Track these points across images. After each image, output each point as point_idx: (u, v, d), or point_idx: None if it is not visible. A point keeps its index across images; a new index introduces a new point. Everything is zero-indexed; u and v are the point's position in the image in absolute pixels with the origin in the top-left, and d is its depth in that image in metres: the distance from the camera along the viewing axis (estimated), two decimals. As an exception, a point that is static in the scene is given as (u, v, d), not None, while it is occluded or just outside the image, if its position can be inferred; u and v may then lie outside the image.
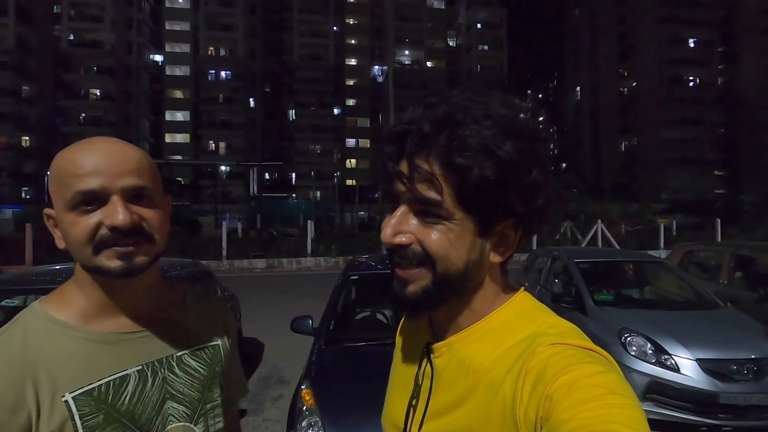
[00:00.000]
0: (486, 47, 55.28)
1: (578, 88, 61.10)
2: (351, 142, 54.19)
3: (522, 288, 0.61)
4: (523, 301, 0.59)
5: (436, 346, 0.61)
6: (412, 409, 0.62)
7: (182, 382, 0.73)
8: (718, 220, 15.62)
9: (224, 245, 13.91)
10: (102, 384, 0.65)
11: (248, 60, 50.23)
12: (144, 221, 0.66)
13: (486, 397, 0.51)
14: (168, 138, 49.99)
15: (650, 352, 3.41)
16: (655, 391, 3.31)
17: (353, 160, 54.04)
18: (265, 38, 53.19)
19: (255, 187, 34.91)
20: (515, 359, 0.51)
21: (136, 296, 0.71)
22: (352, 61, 54.51)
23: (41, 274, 3.35)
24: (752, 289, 5.06)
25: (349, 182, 47.64)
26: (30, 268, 9.10)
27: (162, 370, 0.71)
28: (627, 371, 3.34)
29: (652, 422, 3.21)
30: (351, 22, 54.73)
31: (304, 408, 2.27)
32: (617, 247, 14.01)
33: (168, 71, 50.41)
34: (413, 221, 0.54)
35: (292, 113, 52.94)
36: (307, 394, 2.33)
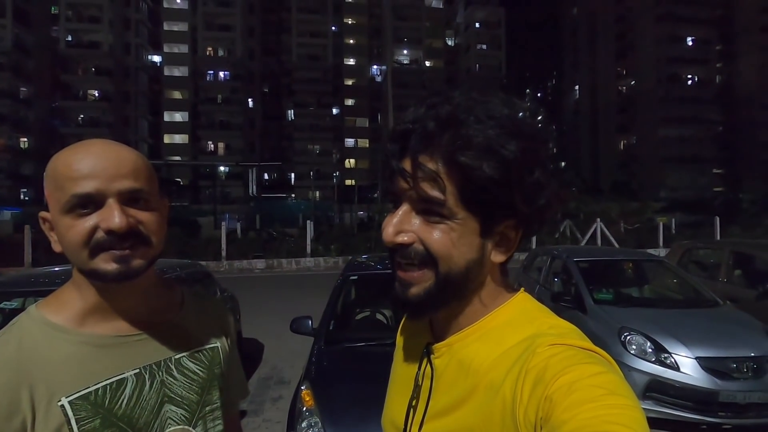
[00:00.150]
0: (484, 46, 55.25)
1: (577, 87, 61.14)
2: (350, 142, 54.16)
3: (522, 289, 0.61)
4: (523, 301, 0.59)
5: (436, 346, 0.61)
6: (412, 410, 0.62)
7: (181, 385, 0.72)
8: (717, 218, 15.63)
9: (223, 246, 13.90)
10: (99, 388, 0.64)
11: (247, 60, 50.17)
12: (140, 224, 0.65)
13: (486, 398, 0.51)
14: (167, 139, 49.92)
15: (650, 350, 3.41)
16: (655, 389, 3.31)
17: (352, 160, 54.01)
18: (264, 38, 53.12)
19: (254, 187, 34.88)
20: (515, 360, 0.51)
21: (134, 299, 0.70)
22: (351, 61, 54.47)
23: (40, 276, 3.34)
24: (751, 286, 5.07)
25: (348, 182, 47.63)
26: (29, 269, 9.08)
27: (160, 373, 0.70)
28: (627, 370, 3.34)
29: (652, 421, 3.22)
30: (349, 22, 54.70)
31: (304, 408, 2.26)
32: (616, 245, 14.02)
33: (166, 72, 50.33)
34: (415, 220, 0.54)
35: (290, 113, 52.88)
36: (307, 395, 2.32)
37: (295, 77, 51.37)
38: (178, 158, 46.71)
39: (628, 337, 3.53)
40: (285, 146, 51.89)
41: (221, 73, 49.90)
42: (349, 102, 53.92)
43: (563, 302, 4.31)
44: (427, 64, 54.02)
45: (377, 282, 3.80)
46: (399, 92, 34.35)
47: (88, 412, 0.63)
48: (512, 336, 0.54)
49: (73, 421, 0.62)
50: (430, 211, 0.52)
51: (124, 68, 46.84)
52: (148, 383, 0.69)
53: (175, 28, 50.14)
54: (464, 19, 56.71)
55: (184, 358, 0.74)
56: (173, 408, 0.71)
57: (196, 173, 46.28)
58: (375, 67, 54.85)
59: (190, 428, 0.72)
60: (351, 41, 54.43)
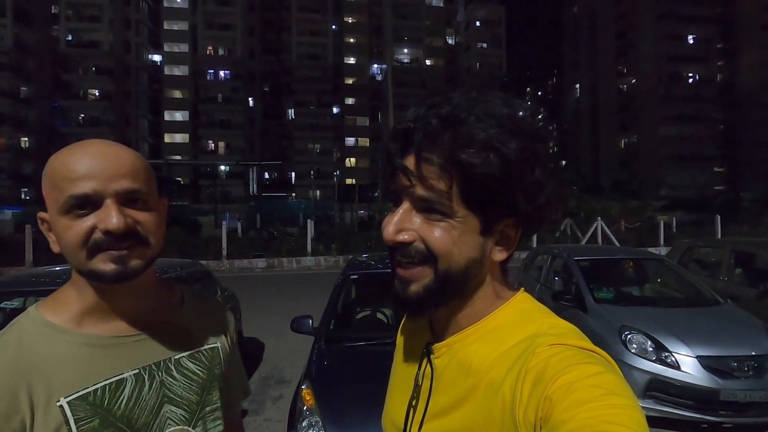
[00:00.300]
0: (485, 45, 55.20)
1: (577, 86, 61.05)
2: (350, 141, 54.16)
3: (522, 289, 0.61)
4: (523, 301, 0.59)
5: (436, 346, 0.61)
6: (412, 410, 0.62)
7: (180, 386, 0.72)
8: (718, 217, 15.61)
9: (224, 245, 13.91)
10: (98, 388, 0.64)
11: (247, 59, 50.16)
12: (138, 225, 0.65)
13: (486, 398, 0.51)
14: (167, 138, 49.94)
15: (650, 349, 3.41)
16: (655, 388, 3.31)
17: (353, 159, 54.01)
18: (264, 37, 53.09)
19: (254, 186, 34.93)
20: (515, 360, 0.51)
21: (132, 299, 0.70)
22: (351, 60, 54.45)
23: (41, 275, 3.34)
24: (752, 285, 5.06)
25: (348, 181, 47.63)
26: (29, 269, 9.10)
27: (160, 374, 0.70)
28: (627, 369, 3.34)
29: (652, 419, 3.22)
30: (349, 21, 54.65)
31: (305, 408, 2.26)
32: (617, 244, 14.02)
33: (167, 71, 50.32)
34: (416, 219, 0.54)
35: (291, 112, 52.88)
36: (307, 394, 2.33)
37: (296, 76, 51.35)
38: (178, 157, 46.73)
39: (629, 336, 3.53)
40: (285, 145, 51.89)
41: (221, 72, 49.89)
42: (350, 101, 53.90)
43: (564, 301, 4.30)
44: (428, 62, 53.99)
45: (378, 281, 3.80)
46: (399, 91, 34.35)
47: (86, 412, 0.63)
48: (512, 336, 0.54)
49: (71, 422, 0.62)
50: (431, 209, 0.53)
51: (125, 67, 46.85)
52: (147, 383, 0.69)
53: (176, 27, 50.11)
54: (465, 18, 56.64)
55: (183, 358, 0.74)
56: (173, 408, 0.71)
57: (197, 172, 46.32)
58: (375, 65, 54.83)
59: (190, 428, 0.72)
60: (351, 40, 54.38)
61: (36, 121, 42.65)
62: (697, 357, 3.26)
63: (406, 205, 0.54)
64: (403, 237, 0.54)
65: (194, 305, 0.82)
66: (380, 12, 51.80)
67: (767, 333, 3.50)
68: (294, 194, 46.69)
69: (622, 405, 0.41)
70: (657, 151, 46.46)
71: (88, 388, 0.64)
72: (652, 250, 11.58)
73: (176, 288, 0.83)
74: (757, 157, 45.59)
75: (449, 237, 0.52)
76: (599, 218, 15.40)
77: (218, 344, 0.81)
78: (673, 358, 3.31)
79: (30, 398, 0.61)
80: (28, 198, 40.42)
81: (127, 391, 0.67)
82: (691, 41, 48.74)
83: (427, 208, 0.53)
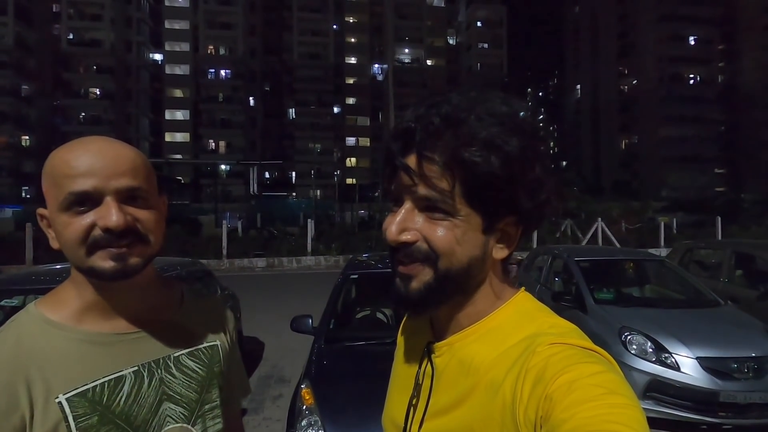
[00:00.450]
0: (486, 45, 55.20)
1: (578, 86, 61.05)
2: (351, 140, 54.18)
3: (522, 288, 0.61)
4: (523, 300, 0.59)
5: (436, 345, 0.61)
6: (412, 409, 0.62)
7: (180, 383, 0.72)
8: (719, 218, 15.58)
9: (224, 244, 13.90)
10: (97, 385, 0.64)
11: (248, 59, 50.19)
12: (138, 222, 0.65)
13: (486, 397, 0.51)
14: (168, 137, 49.97)
15: (650, 350, 3.41)
16: (655, 389, 3.30)
17: (353, 159, 54.03)
18: (265, 37, 53.13)
19: (255, 186, 34.89)
20: (515, 359, 0.51)
21: (132, 297, 0.70)
22: (352, 60, 54.47)
23: (41, 273, 3.34)
24: (753, 287, 5.06)
25: (349, 181, 47.67)
26: (30, 267, 9.11)
27: (159, 371, 0.70)
28: (627, 369, 3.34)
29: (652, 420, 3.22)
30: (351, 21, 54.68)
31: (304, 407, 2.26)
32: (617, 245, 14.00)
33: (168, 70, 50.37)
34: (419, 218, 0.54)
35: (292, 112, 52.92)
36: (306, 393, 2.32)
37: (297, 76, 51.39)
38: (179, 156, 46.74)
39: (629, 337, 3.53)
40: (286, 145, 51.93)
41: (222, 72, 49.93)
42: (350, 101, 53.93)
43: (564, 302, 4.30)
44: (429, 62, 54.00)
45: (378, 281, 3.80)
46: (400, 91, 34.37)
47: (85, 409, 0.63)
48: (512, 335, 0.54)
49: (70, 418, 0.62)
50: (433, 207, 0.53)
51: (126, 66, 46.90)
52: (146, 381, 0.69)
53: (177, 26, 50.15)
54: (466, 18, 56.65)
55: (183, 356, 0.74)
56: (172, 406, 0.71)
57: (197, 172, 46.31)
58: (376, 65, 54.84)
59: (189, 426, 0.72)
60: (352, 40, 54.41)
61: (37, 119, 42.70)
62: (696, 358, 3.26)
63: (408, 205, 0.54)
64: (407, 237, 0.54)
65: (194, 303, 0.82)
66: (381, 12, 51.79)
67: (767, 334, 3.50)
68: (294, 194, 46.68)
69: (623, 404, 0.41)
70: (658, 152, 46.45)
71: (87, 384, 0.64)
72: (652, 251, 11.56)
73: (176, 286, 0.83)
74: (758, 158, 45.56)
75: (452, 236, 0.53)
76: (600, 219, 15.38)
77: (218, 342, 0.81)
78: (673, 359, 3.30)
79: (29, 394, 0.61)
80: (28, 196, 40.45)
81: (126, 388, 0.67)
82: (693, 42, 48.73)
83: (429, 207, 0.53)
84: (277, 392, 4.24)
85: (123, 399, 0.66)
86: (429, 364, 0.61)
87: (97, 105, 45.89)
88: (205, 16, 49.05)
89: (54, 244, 0.66)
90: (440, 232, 0.53)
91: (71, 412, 0.62)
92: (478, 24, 55.21)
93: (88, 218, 0.62)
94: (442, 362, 0.59)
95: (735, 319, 3.81)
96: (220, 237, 14.18)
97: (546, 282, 5.44)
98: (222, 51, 50.30)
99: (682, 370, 3.25)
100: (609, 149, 53.43)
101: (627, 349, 3.46)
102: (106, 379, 0.65)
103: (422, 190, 0.52)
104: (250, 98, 50.96)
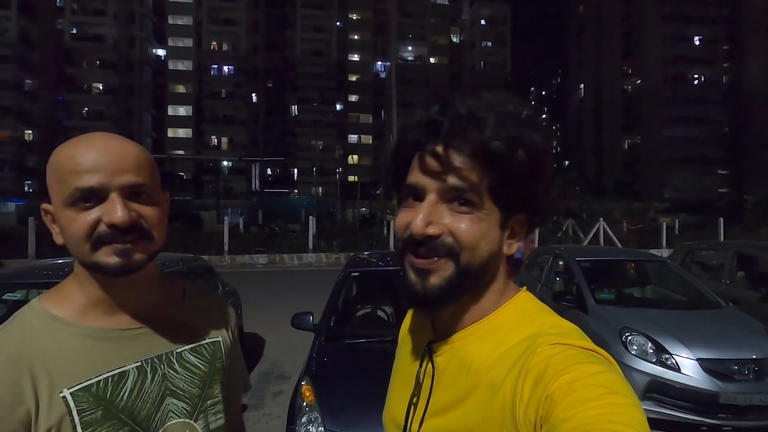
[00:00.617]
0: (489, 44, 55.01)
1: (582, 86, 60.81)
2: (353, 138, 54.10)
3: (524, 287, 0.62)
4: (524, 300, 0.59)
5: (437, 344, 0.61)
6: (412, 407, 0.62)
7: (182, 379, 0.73)
8: (721, 219, 15.55)
9: (226, 240, 13.94)
10: (100, 380, 0.65)
11: (251, 55, 50.11)
12: (142, 218, 0.65)
13: (486, 397, 0.51)
14: (170, 133, 49.97)
15: (651, 351, 3.40)
16: (655, 390, 3.30)
17: (355, 156, 53.97)
18: (268, 33, 53.04)
19: (257, 182, 34.97)
20: (516, 359, 0.51)
21: (135, 293, 0.71)
22: (355, 57, 54.34)
23: (44, 268, 3.35)
24: (755, 288, 5.04)
25: (350, 178, 47.65)
26: (33, 261, 9.14)
27: (162, 367, 0.71)
28: (627, 370, 3.34)
29: (652, 421, 3.22)
30: (354, 18, 54.52)
31: (304, 404, 2.27)
32: (619, 245, 13.97)
33: (170, 66, 50.31)
34: (444, 211, 0.53)
35: (294, 109, 52.86)
36: (307, 390, 2.33)
37: (299, 72, 51.30)
38: (181, 152, 46.77)
39: (629, 338, 3.52)
40: (288, 142, 51.90)
41: (225, 68, 49.86)
42: (353, 98, 53.82)
43: (565, 301, 4.30)
44: (432, 60, 53.81)
45: (379, 278, 3.81)
46: (403, 89, 34.26)
47: (89, 403, 0.63)
48: (513, 335, 0.54)
49: (74, 413, 0.62)
50: (460, 198, 0.53)
51: (129, 62, 46.88)
52: (149, 376, 0.69)
53: (180, 22, 50.06)
54: (469, 16, 56.44)
55: (185, 351, 0.75)
56: (174, 401, 0.71)
57: (200, 168, 46.37)
58: (379, 63, 54.72)
59: (192, 422, 0.73)
60: (355, 37, 54.26)
61: (40, 114, 42.72)
62: (697, 359, 3.26)
63: (431, 197, 0.54)
64: (433, 230, 0.53)
65: (196, 299, 0.82)
66: (385, 9, 51.71)
67: (768, 336, 3.50)
68: (296, 191, 46.72)
69: (623, 404, 0.41)
70: (661, 152, 46.27)
71: (91, 379, 0.64)
72: (654, 251, 11.55)
73: (178, 282, 0.83)
74: (762, 160, 45.32)
75: (478, 229, 0.53)
76: (601, 219, 15.36)
77: (220, 338, 0.81)
78: (674, 360, 3.30)
79: (34, 389, 0.61)
80: (31, 190, 40.53)
81: (129, 383, 0.67)
82: (697, 42, 48.44)
83: (456, 198, 0.53)
84: (277, 389, 4.25)
85: (126, 394, 0.66)
86: (430, 362, 0.61)
87: (100, 100, 45.90)
88: (208, 12, 48.97)
89: (58, 240, 0.66)
90: (466, 225, 0.52)
91: (75, 406, 0.62)
92: (482, 22, 55.01)
93: (93, 214, 0.62)
94: (443, 361, 0.59)
95: (736, 321, 3.80)
96: (221, 233, 14.22)
97: (547, 281, 5.44)
98: (225, 47, 50.23)
99: (682, 371, 3.25)
100: (612, 149, 53.25)
101: (627, 350, 3.46)
102: (110, 374, 0.66)
103: (452, 179, 0.52)
104: (253, 95, 50.91)
